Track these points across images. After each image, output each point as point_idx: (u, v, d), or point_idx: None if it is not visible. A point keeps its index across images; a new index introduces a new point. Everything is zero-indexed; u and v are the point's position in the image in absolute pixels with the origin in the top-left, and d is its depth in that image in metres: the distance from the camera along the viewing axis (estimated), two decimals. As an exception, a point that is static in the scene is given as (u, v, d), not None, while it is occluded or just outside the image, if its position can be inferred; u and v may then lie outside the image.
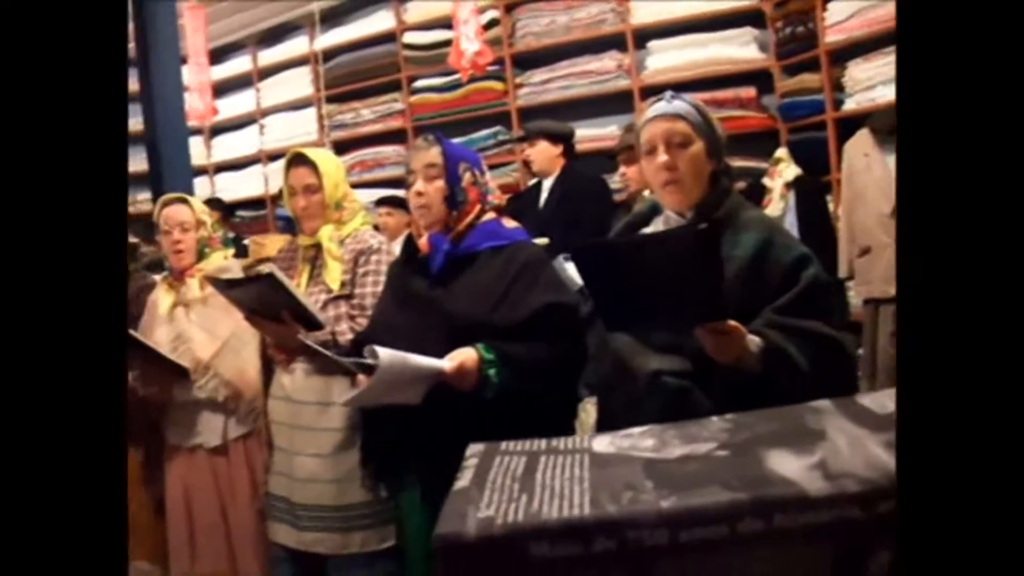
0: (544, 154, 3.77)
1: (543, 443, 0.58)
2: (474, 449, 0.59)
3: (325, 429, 2.16)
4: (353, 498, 2.11)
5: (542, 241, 3.03)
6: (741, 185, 3.56)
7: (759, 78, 4.38)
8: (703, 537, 0.46)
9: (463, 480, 0.54)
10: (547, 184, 3.79)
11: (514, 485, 0.52)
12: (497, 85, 5.16)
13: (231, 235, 5.34)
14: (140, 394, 2.40)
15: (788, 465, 0.48)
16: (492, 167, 5.13)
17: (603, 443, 0.57)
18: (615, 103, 4.75)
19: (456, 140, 5.13)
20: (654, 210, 1.67)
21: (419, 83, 5.54)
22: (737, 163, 4.04)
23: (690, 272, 1.27)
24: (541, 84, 5.05)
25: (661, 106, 1.59)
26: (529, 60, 5.11)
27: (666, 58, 4.61)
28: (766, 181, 3.92)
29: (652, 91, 4.53)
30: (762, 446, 0.51)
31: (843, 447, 0.50)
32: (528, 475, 0.53)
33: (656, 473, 0.50)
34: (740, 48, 4.43)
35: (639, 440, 0.55)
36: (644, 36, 4.69)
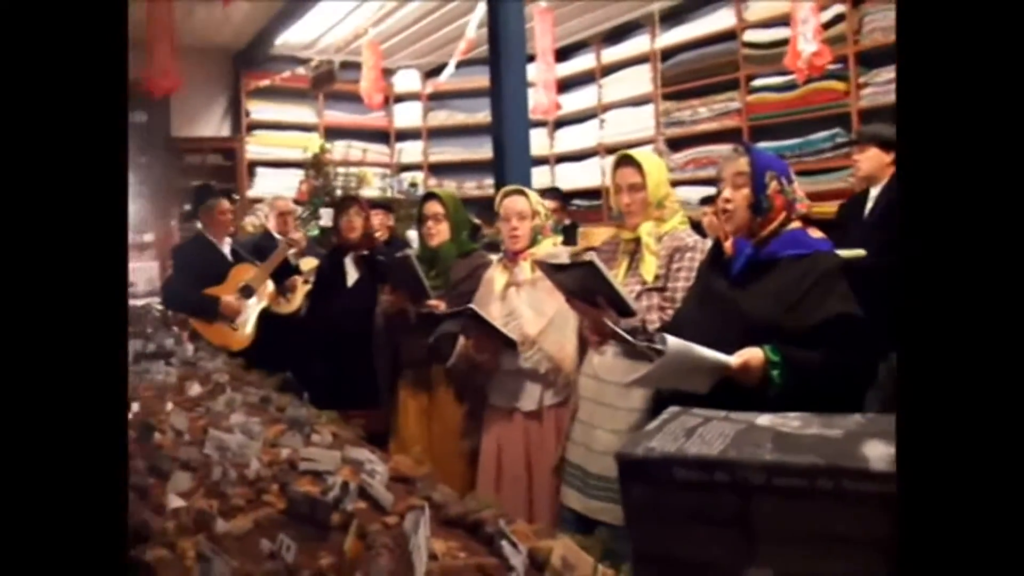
0: (873, 161, 3.58)
1: (723, 413, 0.78)
2: (672, 409, 0.81)
3: (626, 408, 2.33)
4: None
5: (858, 252, 2.95)
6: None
7: None
8: (790, 485, 0.63)
9: (651, 426, 0.77)
10: (874, 193, 3.63)
11: (680, 433, 0.73)
12: (838, 85, 4.97)
13: (567, 222, 5.72)
14: (473, 359, 2.77)
15: (875, 450, 0.63)
16: (827, 171, 4.99)
17: (765, 419, 0.74)
18: (968, 105, 4.36)
19: (792, 141, 5.09)
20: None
21: (757, 82, 5.49)
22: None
23: None
24: (886, 84, 4.76)
25: None
26: (875, 57, 4.84)
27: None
28: None
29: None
30: (870, 436, 0.65)
31: None
32: (694, 429, 0.74)
33: (780, 440, 0.68)
34: None
35: (791, 420, 0.73)
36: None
